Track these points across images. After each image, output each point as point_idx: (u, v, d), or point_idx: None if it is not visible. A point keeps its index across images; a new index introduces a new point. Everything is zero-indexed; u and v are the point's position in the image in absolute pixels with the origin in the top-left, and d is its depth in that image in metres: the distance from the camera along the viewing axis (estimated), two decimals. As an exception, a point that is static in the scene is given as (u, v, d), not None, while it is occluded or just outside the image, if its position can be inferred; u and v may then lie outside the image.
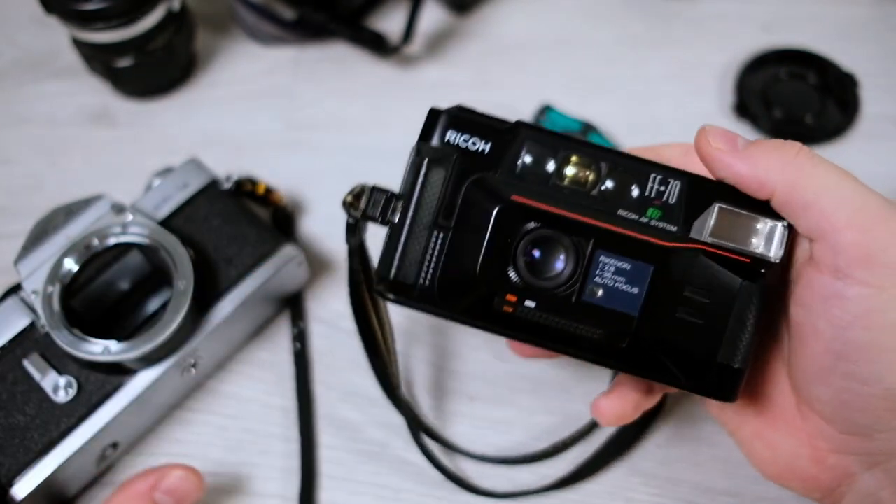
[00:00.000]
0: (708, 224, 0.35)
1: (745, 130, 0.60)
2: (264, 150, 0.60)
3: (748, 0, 0.66)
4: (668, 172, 0.36)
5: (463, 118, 0.36)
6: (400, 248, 0.36)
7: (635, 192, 0.36)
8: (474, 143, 0.36)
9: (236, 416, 0.50)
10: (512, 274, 0.36)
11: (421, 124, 0.61)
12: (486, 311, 0.36)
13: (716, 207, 0.35)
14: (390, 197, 0.36)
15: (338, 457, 0.48)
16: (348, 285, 0.42)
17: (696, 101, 0.61)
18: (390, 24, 0.65)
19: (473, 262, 0.36)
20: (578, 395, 0.50)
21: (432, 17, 0.66)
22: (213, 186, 0.51)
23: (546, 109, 0.58)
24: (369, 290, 0.42)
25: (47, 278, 0.44)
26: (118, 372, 0.45)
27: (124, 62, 0.58)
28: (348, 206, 0.37)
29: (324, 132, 0.61)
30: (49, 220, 0.47)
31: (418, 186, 0.36)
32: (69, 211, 0.47)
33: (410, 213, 0.36)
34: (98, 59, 0.58)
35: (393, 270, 0.36)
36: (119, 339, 0.44)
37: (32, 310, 0.45)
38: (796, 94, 0.61)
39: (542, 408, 0.49)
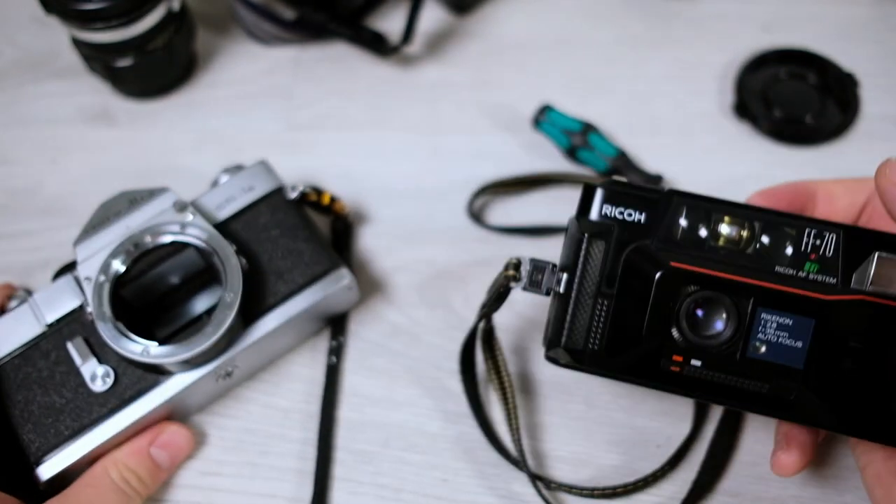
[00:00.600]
0: (868, 274, 0.36)
1: (745, 131, 0.60)
2: (264, 149, 0.60)
3: (748, 0, 0.66)
4: (823, 226, 0.37)
5: (617, 192, 0.38)
6: (569, 317, 0.38)
7: (791, 247, 0.37)
8: (630, 215, 0.38)
9: (254, 420, 0.50)
10: (676, 335, 0.37)
11: (420, 123, 0.61)
12: (654, 371, 0.38)
13: (876, 256, 0.35)
14: (552, 269, 0.39)
15: (337, 456, 0.48)
16: (463, 349, 0.47)
17: (696, 102, 0.61)
18: (390, 23, 0.65)
19: (638, 327, 0.38)
20: (580, 395, 0.50)
21: (432, 16, 0.66)
22: (278, 194, 0.50)
23: (546, 109, 0.58)
24: (491, 350, 0.46)
25: (100, 268, 0.44)
26: (156, 371, 0.45)
27: (124, 62, 0.58)
28: (510, 278, 0.40)
29: (324, 132, 0.61)
30: (112, 204, 0.47)
31: (581, 259, 0.38)
32: (133, 199, 0.47)
33: (576, 285, 0.38)
34: (98, 58, 0.58)
35: (564, 338, 0.38)
36: (160, 341, 0.43)
37: (84, 293, 0.45)
38: (796, 95, 0.60)
39: (542, 408, 0.49)
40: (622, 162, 0.56)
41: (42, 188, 0.59)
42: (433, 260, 0.55)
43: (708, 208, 0.38)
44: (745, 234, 0.37)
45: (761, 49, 0.62)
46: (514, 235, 0.56)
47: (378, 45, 0.62)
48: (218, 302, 0.44)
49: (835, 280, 0.37)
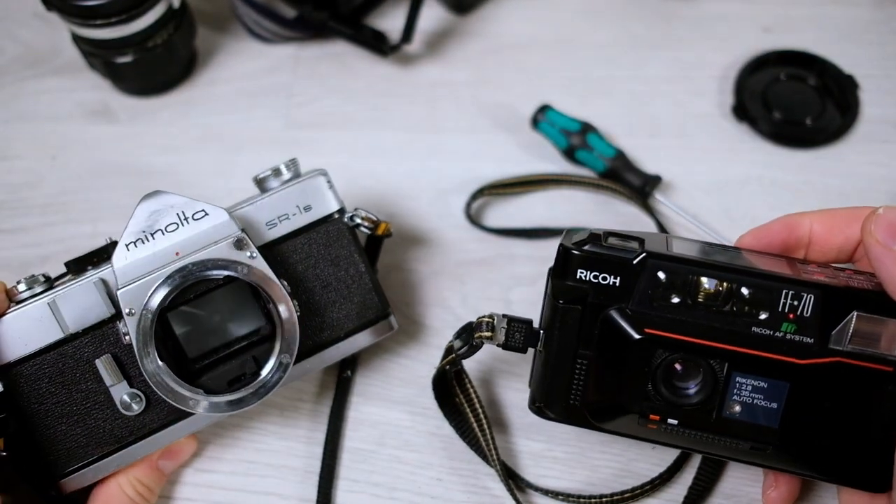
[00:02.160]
0: (847, 333, 0.36)
1: (744, 132, 0.59)
2: (264, 146, 0.60)
3: (749, 1, 0.66)
4: (801, 286, 0.37)
5: (591, 257, 0.38)
6: (549, 375, 0.40)
7: (768, 308, 0.37)
8: (605, 279, 0.38)
9: (249, 418, 0.50)
10: (653, 395, 0.38)
11: (420, 122, 0.61)
12: (632, 427, 0.39)
13: (854, 316, 0.36)
14: (530, 330, 0.41)
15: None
16: (434, 386, 0.47)
17: (695, 102, 0.61)
18: (390, 22, 0.65)
19: (615, 387, 0.39)
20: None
21: (432, 16, 0.66)
22: (336, 217, 0.46)
23: (545, 109, 0.58)
24: (462, 387, 0.46)
25: (146, 303, 0.40)
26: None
27: (124, 59, 0.58)
28: (485, 339, 0.41)
29: (323, 130, 0.61)
30: (160, 213, 0.41)
31: (557, 323, 0.39)
32: (184, 215, 0.42)
33: (554, 345, 0.39)
34: (98, 55, 0.58)
35: (546, 395, 0.40)
36: (191, 363, 0.42)
37: (115, 304, 0.41)
38: (796, 96, 0.60)
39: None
40: (621, 162, 0.56)
41: (41, 184, 0.59)
42: (431, 259, 0.55)
43: (683, 270, 0.37)
44: (721, 296, 0.37)
45: (761, 50, 0.62)
46: (511, 237, 0.56)
47: (378, 44, 0.62)
48: (268, 354, 0.42)
49: (812, 340, 0.37)
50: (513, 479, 0.47)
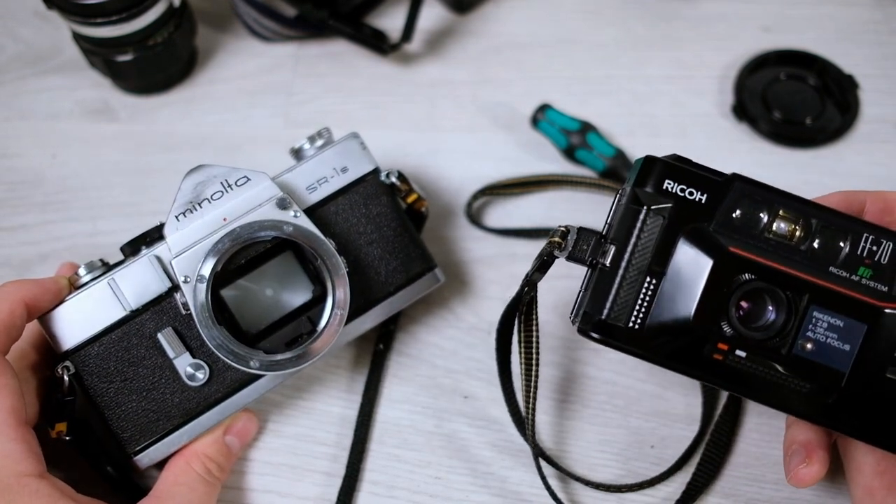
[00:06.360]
0: None
1: (744, 132, 0.59)
2: (263, 145, 0.60)
3: (748, 0, 0.66)
4: (881, 233, 0.37)
5: (680, 168, 0.37)
6: (613, 290, 0.37)
7: (846, 250, 0.37)
8: (691, 193, 0.37)
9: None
10: (725, 323, 0.37)
11: (420, 121, 0.61)
12: (693, 357, 0.37)
13: None
14: (598, 242, 0.38)
15: (330, 452, 0.48)
16: (505, 314, 0.43)
17: (695, 102, 0.61)
18: (390, 21, 0.65)
19: (686, 310, 0.37)
20: (574, 394, 0.50)
21: (432, 15, 0.66)
22: (372, 176, 0.48)
23: (545, 108, 0.58)
24: (528, 322, 0.43)
25: (200, 269, 0.41)
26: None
27: (124, 57, 0.58)
28: (555, 245, 0.38)
29: (323, 129, 0.61)
30: (204, 184, 0.43)
31: (635, 232, 0.37)
32: (227, 182, 0.43)
33: (625, 258, 0.37)
34: (98, 53, 0.58)
35: (605, 312, 0.37)
36: (251, 339, 0.43)
37: (170, 278, 0.43)
38: (796, 96, 0.60)
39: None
40: (620, 162, 0.56)
41: (42, 182, 0.59)
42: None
43: (769, 198, 0.37)
44: (802, 229, 0.37)
45: (761, 50, 0.62)
46: (511, 237, 0.56)
47: (378, 43, 0.62)
48: (322, 310, 0.43)
49: (886, 288, 0.37)
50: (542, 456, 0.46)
